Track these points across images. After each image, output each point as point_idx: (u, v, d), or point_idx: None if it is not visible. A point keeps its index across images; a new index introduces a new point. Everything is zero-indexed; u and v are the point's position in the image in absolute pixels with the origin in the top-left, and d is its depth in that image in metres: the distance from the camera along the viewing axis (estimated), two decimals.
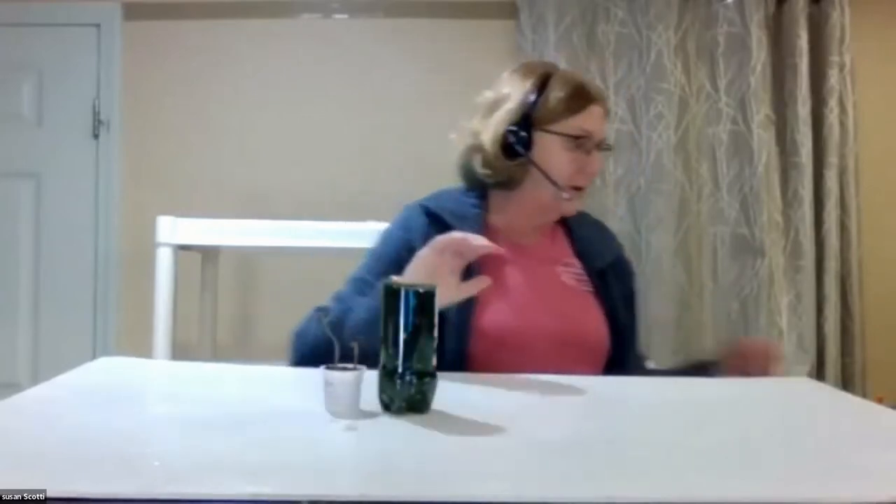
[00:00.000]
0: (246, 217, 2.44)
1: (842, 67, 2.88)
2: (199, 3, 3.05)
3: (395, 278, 1.18)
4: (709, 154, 2.92)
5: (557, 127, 1.44)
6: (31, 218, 3.04)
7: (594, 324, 1.46)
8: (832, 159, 2.87)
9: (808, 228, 2.86)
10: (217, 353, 2.70)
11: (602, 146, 1.48)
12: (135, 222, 2.93)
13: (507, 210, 1.52)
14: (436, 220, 1.47)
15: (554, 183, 1.45)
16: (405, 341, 1.00)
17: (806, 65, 2.87)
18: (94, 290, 3.03)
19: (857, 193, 2.90)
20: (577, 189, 1.47)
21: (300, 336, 1.40)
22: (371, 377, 1.01)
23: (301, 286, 2.90)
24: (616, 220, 2.87)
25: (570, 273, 1.50)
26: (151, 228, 2.32)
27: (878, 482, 0.81)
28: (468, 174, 1.53)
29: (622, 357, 1.48)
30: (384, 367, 1.01)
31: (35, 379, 2.71)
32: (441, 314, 1.08)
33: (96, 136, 3.03)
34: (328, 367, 1.00)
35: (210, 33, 3.02)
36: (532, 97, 1.45)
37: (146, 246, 2.39)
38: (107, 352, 2.84)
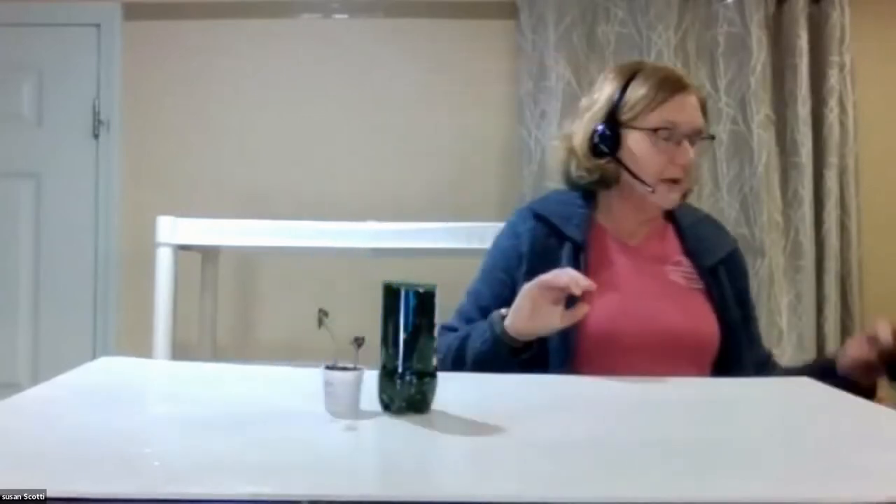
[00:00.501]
0: (246, 217, 2.44)
1: (842, 67, 2.88)
2: (199, 3, 3.05)
3: (502, 313, 1.34)
4: (709, 154, 2.92)
5: (641, 122, 1.46)
6: (31, 218, 3.04)
7: (703, 323, 1.46)
8: (832, 159, 2.86)
9: (808, 228, 2.86)
10: (217, 353, 2.70)
11: (696, 137, 1.47)
12: (135, 222, 2.93)
13: (612, 209, 1.53)
14: (544, 222, 1.50)
15: (639, 178, 1.46)
16: (405, 341, 1.00)
17: (806, 65, 2.87)
18: (94, 290, 3.03)
19: (857, 193, 2.90)
20: (672, 182, 1.47)
21: (441, 341, 1.41)
22: (371, 377, 1.01)
23: (301, 286, 2.92)
24: None
25: (680, 272, 1.50)
26: (151, 228, 2.33)
27: (878, 482, 0.81)
28: (567, 177, 1.56)
29: (734, 355, 1.47)
30: (384, 367, 1.01)
31: (35, 379, 2.72)
32: None
33: (96, 136, 3.03)
34: (328, 367, 1.00)
35: (210, 33, 3.02)
36: (616, 96, 1.47)
37: (146, 246, 2.39)
38: (107, 352, 2.84)
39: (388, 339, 1.01)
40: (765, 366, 1.56)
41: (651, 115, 1.45)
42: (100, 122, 3.02)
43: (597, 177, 1.50)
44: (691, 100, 1.47)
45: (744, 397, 1.26)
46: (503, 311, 1.35)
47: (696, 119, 1.47)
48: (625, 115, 1.47)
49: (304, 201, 2.91)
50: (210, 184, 2.98)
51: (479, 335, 1.37)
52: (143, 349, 2.25)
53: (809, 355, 2.85)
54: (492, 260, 1.53)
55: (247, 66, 3.01)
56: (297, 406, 1.05)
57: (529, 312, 1.29)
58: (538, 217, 1.51)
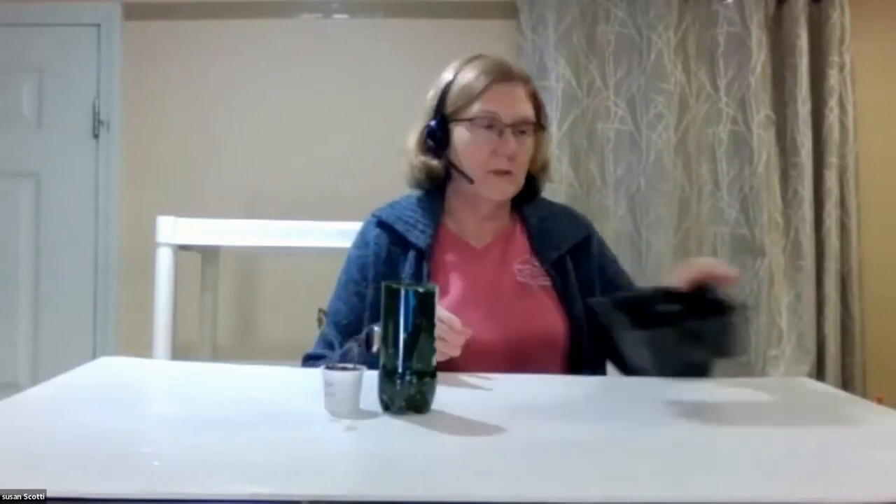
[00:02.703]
0: (246, 217, 2.44)
1: (842, 67, 2.88)
2: (199, 3, 3.05)
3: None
4: (709, 154, 2.92)
5: (463, 114, 1.44)
6: (31, 218, 3.04)
7: (548, 321, 1.42)
8: (832, 159, 2.87)
9: (808, 228, 2.86)
10: (217, 353, 2.70)
11: (521, 127, 1.43)
12: (135, 222, 2.93)
13: (456, 211, 1.51)
14: (388, 230, 1.48)
15: (464, 173, 1.44)
16: (405, 341, 1.00)
17: (806, 65, 2.87)
18: (94, 290, 3.03)
19: (857, 193, 2.90)
20: (500, 174, 1.43)
21: None
22: (371, 377, 1.01)
23: (301, 286, 2.92)
24: (616, 220, 2.87)
25: (527, 271, 1.47)
26: (151, 228, 2.32)
27: (878, 482, 0.81)
28: (411, 179, 1.53)
29: (579, 347, 1.42)
30: (384, 367, 1.01)
31: (35, 379, 2.71)
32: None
33: (96, 136, 3.03)
34: (328, 367, 1.00)
35: (210, 33, 3.02)
36: (444, 89, 1.46)
37: (146, 246, 2.39)
38: (107, 352, 2.84)
39: (388, 339, 1.01)
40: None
41: (472, 105, 1.43)
42: (100, 122, 3.02)
43: (435, 176, 1.49)
44: (515, 90, 1.44)
45: (743, 397, 1.26)
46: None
47: (520, 109, 1.44)
48: (449, 109, 1.45)
49: (304, 201, 2.91)
50: (210, 184, 2.98)
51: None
52: (143, 349, 2.24)
53: (809, 355, 2.85)
54: (345, 275, 1.51)
55: (247, 66, 3.01)
56: (297, 406, 1.05)
57: None
58: (382, 224, 1.50)
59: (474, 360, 1.32)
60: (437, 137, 1.46)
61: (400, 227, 1.48)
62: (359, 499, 0.73)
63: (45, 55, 3.03)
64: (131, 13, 3.02)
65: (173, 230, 2.30)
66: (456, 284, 1.43)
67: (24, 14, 3.01)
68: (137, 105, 3.02)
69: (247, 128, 3.02)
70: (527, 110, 1.45)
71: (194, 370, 1.47)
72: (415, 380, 1.00)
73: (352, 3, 3.05)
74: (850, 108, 2.89)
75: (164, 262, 2.30)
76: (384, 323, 1.01)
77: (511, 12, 2.95)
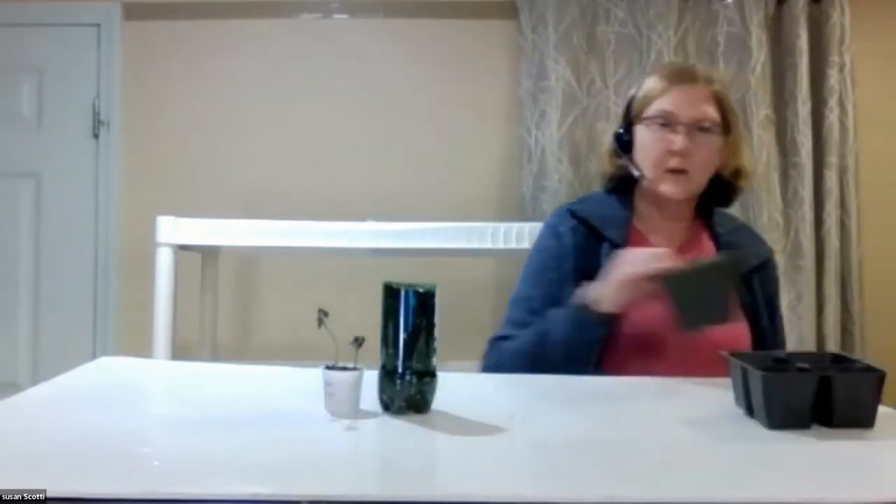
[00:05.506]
0: (246, 217, 2.44)
1: (842, 67, 2.88)
2: (199, 3, 3.05)
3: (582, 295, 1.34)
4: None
5: (644, 114, 1.48)
6: (31, 218, 3.04)
7: (738, 330, 1.46)
8: (832, 159, 2.86)
9: (808, 228, 2.86)
10: (217, 353, 2.70)
11: (698, 127, 1.46)
12: (135, 222, 2.92)
13: (643, 212, 1.55)
14: (583, 223, 1.51)
15: (638, 169, 1.49)
16: (405, 341, 1.00)
17: (806, 65, 2.87)
18: (94, 290, 3.02)
19: (857, 193, 2.90)
20: (674, 172, 1.46)
21: (501, 351, 1.45)
22: (371, 377, 1.02)
23: (301, 286, 2.92)
24: None
25: None
26: (151, 228, 2.32)
27: (878, 482, 0.81)
28: (602, 181, 1.61)
29: None
30: (384, 367, 1.01)
31: (35, 379, 2.71)
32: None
33: (96, 136, 3.02)
34: (328, 367, 1.00)
35: (210, 33, 3.01)
36: (631, 97, 1.52)
37: (146, 246, 2.39)
38: (107, 352, 2.83)
39: (388, 339, 1.01)
40: None
41: (651, 106, 1.48)
42: (100, 122, 3.02)
43: (616, 177, 1.55)
44: (696, 91, 1.47)
45: None
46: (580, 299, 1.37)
47: (700, 109, 1.46)
48: (634, 112, 1.51)
49: (304, 201, 2.91)
50: (210, 184, 2.98)
51: (558, 323, 1.38)
52: (143, 349, 2.25)
53: None
54: (537, 263, 1.53)
55: (247, 66, 3.01)
56: (297, 406, 1.05)
57: (626, 301, 1.33)
58: (576, 217, 1.52)
59: (659, 359, 1.37)
60: (623, 141, 1.51)
61: (595, 221, 1.51)
62: (359, 499, 0.73)
63: (45, 55, 3.03)
64: (131, 13, 3.02)
65: (173, 230, 2.30)
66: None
67: (24, 14, 3.01)
68: (137, 105, 3.02)
69: (247, 128, 3.01)
70: (706, 111, 1.47)
71: (194, 370, 1.47)
72: (415, 380, 1.00)
73: (352, 3, 3.05)
74: (850, 108, 2.89)
75: (164, 262, 2.30)
76: (384, 323, 1.01)
77: (511, 12, 2.95)
